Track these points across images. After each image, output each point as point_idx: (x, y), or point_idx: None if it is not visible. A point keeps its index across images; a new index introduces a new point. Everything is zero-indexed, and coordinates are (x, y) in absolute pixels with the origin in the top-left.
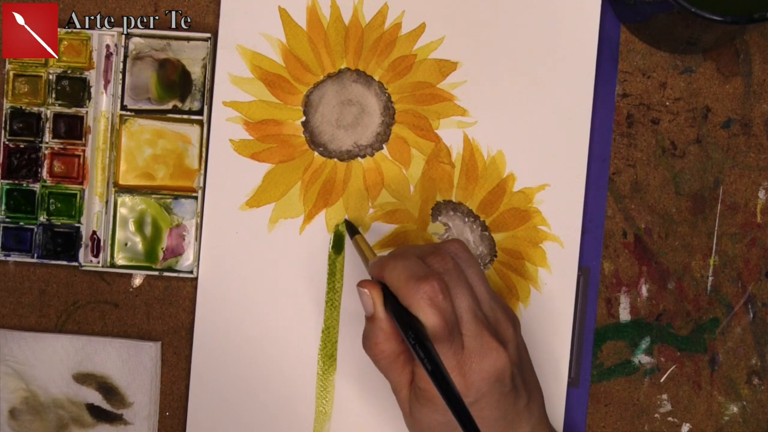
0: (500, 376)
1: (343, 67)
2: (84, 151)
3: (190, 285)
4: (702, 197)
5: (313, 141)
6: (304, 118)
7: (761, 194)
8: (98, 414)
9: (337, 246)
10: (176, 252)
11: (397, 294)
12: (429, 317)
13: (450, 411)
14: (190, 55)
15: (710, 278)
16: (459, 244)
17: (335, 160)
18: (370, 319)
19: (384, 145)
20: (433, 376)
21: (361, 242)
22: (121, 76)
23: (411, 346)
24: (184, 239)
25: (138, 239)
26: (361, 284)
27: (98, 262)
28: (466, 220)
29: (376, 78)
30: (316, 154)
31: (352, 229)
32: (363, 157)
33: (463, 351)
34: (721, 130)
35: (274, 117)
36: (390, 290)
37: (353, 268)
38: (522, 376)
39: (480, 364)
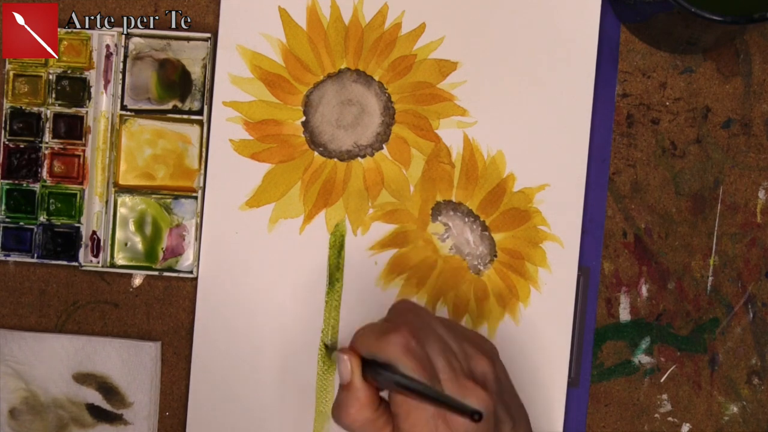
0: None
1: (343, 67)
2: (84, 151)
3: (190, 285)
4: (702, 197)
5: (313, 141)
6: (304, 118)
7: (761, 194)
8: (98, 414)
9: (337, 247)
10: (176, 252)
11: (375, 355)
12: (408, 364)
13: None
14: (190, 55)
15: (710, 278)
16: (407, 302)
17: (335, 160)
18: (345, 387)
19: (384, 145)
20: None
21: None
22: (121, 76)
23: (403, 388)
24: (184, 239)
25: (138, 239)
26: (342, 351)
27: (98, 262)
28: (466, 220)
29: (376, 78)
30: (316, 154)
31: (330, 351)
32: (363, 157)
33: None
34: (721, 130)
35: (274, 117)
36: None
37: (353, 268)
38: (504, 405)
39: None
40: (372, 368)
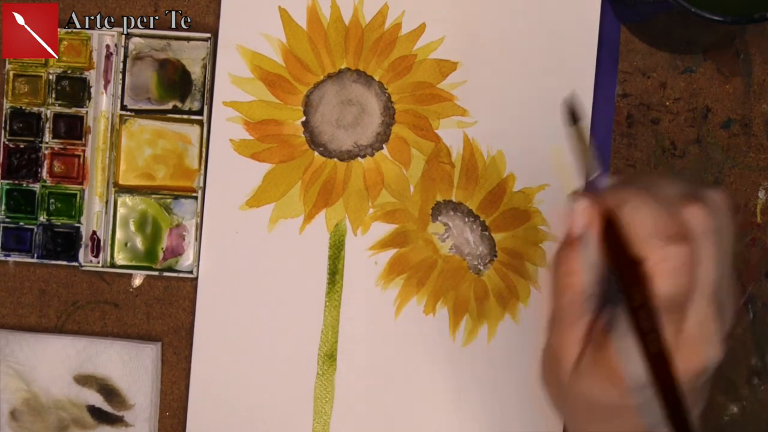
0: (704, 372)
1: (343, 67)
2: (84, 151)
3: (190, 285)
4: None
5: (313, 141)
6: (304, 118)
7: (761, 194)
8: (99, 415)
9: (337, 246)
10: (176, 252)
11: (633, 241)
12: (663, 287)
13: (662, 408)
14: (190, 55)
15: None
16: (724, 199)
17: (335, 160)
18: (575, 241)
19: (384, 145)
20: (651, 362)
21: (581, 135)
22: (121, 76)
23: (631, 310)
24: (184, 239)
25: (138, 239)
26: (580, 196)
27: (98, 262)
28: (466, 219)
29: (376, 78)
30: (316, 154)
31: (574, 114)
32: (363, 157)
33: (681, 334)
34: (721, 130)
35: (274, 117)
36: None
37: (353, 268)
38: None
39: (690, 355)
40: (613, 241)
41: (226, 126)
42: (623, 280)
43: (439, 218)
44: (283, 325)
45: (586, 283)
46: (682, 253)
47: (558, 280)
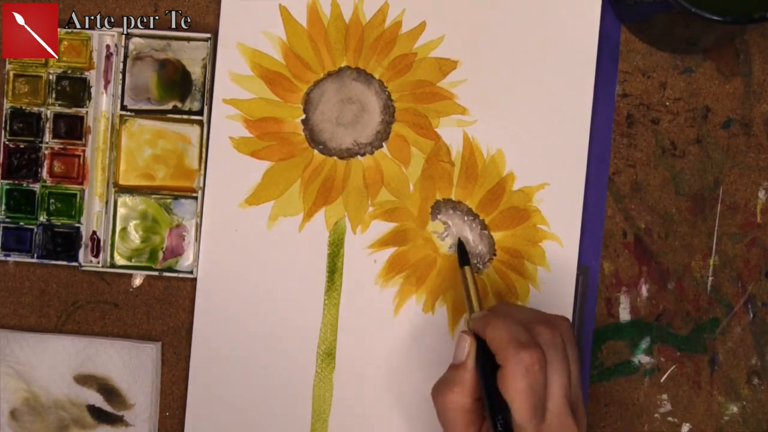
0: None
1: (343, 65)
2: (84, 151)
3: (189, 285)
4: (702, 197)
5: (313, 139)
6: (304, 116)
7: (761, 194)
8: (99, 415)
9: (336, 245)
10: (176, 252)
11: (495, 353)
12: (518, 385)
13: None
14: (190, 55)
15: (710, 278)
16: (567, 323)
17: (335, 158)
18: (456, 367)
19: (384, 144)
20: None
21: (469, 277)
22: (121, 76)
23: (491, 417)
24: (183, 239)
25: (138, 239)
26: (465, 332)
27: (98, 262)
28: (466, 218)
29: (377, 76)
30: (315, 152)
31: (463, 254)
32: (363, 155)
33: (542, 425)
34: (721, 130)
35: (274, 115)
36: (484, 349)
37: (353, 266)
38: None
39: None
40: (481, 356)
41: (226, 123)
42: (489, 396)
43: (439, 217)
44: (282, 323)
45: (463, 402)
46: (533, 355)
47: (439, 398)
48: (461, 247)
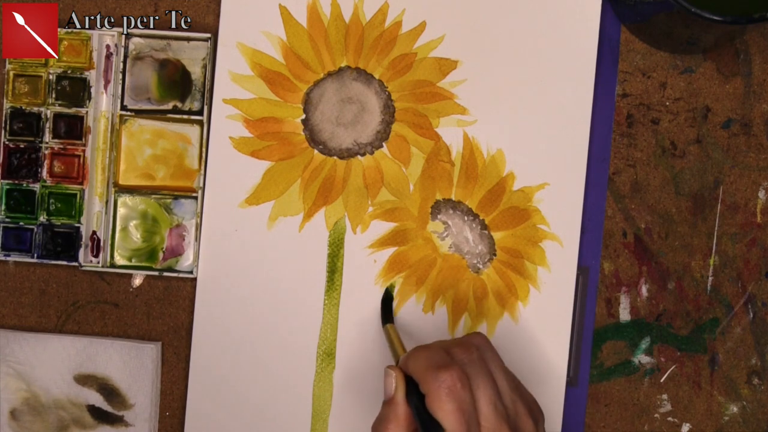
0: None
1: (343, 65)
2: (84, 151)
3: (189, 285)
4: (702, 197)
5: (313, 139)
6: (304, 116)
7: (761, 194)
8: (99, 415)
9: (336, 244)
10: (176, 252)
11: (418, 383)
12: (445, 406)
13: None
14: (190, 55)
15: (710, 278)
16: (483, 338)
17: (335, 158)
18: (387, 403)
19: (384, 143)
20: None
21: (392, 333)
22: (121, 76)
23: (420, 423)
24: (184, 239)
25: (138, 239)
26: (389, 367)
27: (98, 262)
28: (466, 218)
29: (377, 76)
30: (315, 151)
31: (387, 312)
32: (363, 155)
33: None
34: (721, 130)
35: (274, 114)
36: (414, 383)
37: (353, 266)
38: None
39: None
40: (410, 391)
41: (226, 123)
42: (421, 423)
43: (439, 217)
44: (282, 323)
45: None
46: (452, 374)
47: None
48: (384, 304)
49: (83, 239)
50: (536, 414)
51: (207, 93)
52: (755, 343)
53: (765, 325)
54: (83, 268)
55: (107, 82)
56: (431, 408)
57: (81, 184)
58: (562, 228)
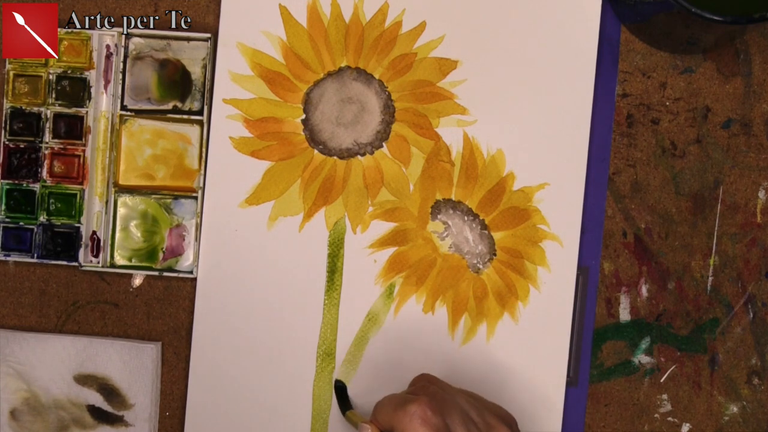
0: None
1: (343, 65)
2: (84, 151)
3: (189, 285)
4: (702, 197)
5: (313, 139)
6: (304, 116)
7: (761, 194)
8: (99, 415)
9: (336, 244)
10: (176, 252)
11: (390, 426)
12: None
13: None
14: (190, 55)
15: (710, 278)
16: (428, 375)
17: (335, 158)
18: None
19: (384, 143)
20: None
21: (354, 417)
22: (121, 76)
23: None
24: (183, 239)
25: (138, 239)
26: (364, 422)
27: (98, 262)
28: (466, 218)
29: (377, 76)
30: (316, 151)
31: (344, 400)
32: (363, 155)
33: None
34: (721, 130)
35: (274, 114)
36: None
37: (352, 266)
38: None
39: None
40: None
41: (226, 123)
42: None
43: (439, 217)
44: (282, 323)
45: None
46: (421, 404)
47: None
48: (339, 394)
49: (83, 239)
50: (508, 420)
51: (207, 93)
52: (755, 343)
53: (765, 325)
54: (83, 268)
55: (107, 82)
56: None
57: (81, 184)
58: (562, 228)
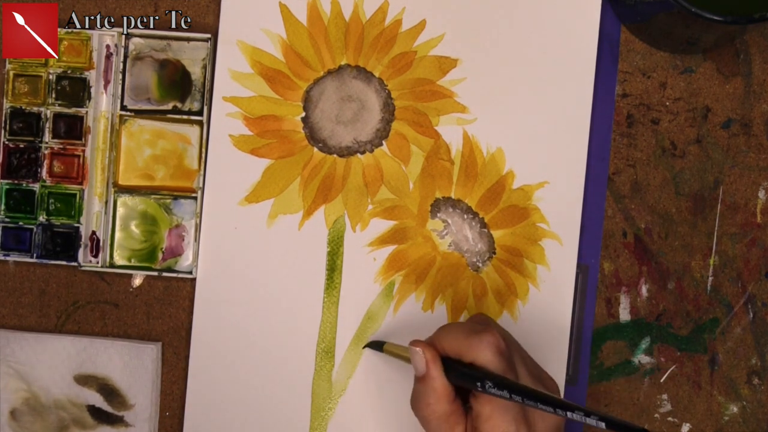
0: (559, 427)
1: (343, 63)
2: (84, 151)
3: (189, 285)
4: (702, 197)
5: (313, 137)
6: (303, 114)
7: (761, 194)
8: (99, 415)
9: (336, 243)
10: (176, 252)
11: (458, 352)
12: (497, 364)
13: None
14: (190, 55)
15: (710, 278)
16: (484, 314)
17: (335, 156)
18: (421, 379)
19: (383, 142)
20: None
21: (393, 347)
22: (121, 76)
23: (485, 390)
24: (183, 240)
25: (137, 239)
26: (414, 343)
27: (98, 262)
28: (465, 216)
29: (376, 74)
30: (315, 149)
31: (377, 344)
32: (362, 153)
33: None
34: (721, 130)
35: (273, 112)
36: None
37: (352, 264)
38: None
39: (543, 415)
40: (453, 367)
41: (226, 121)
42: (471, 381)
43: (438, 215)
44: (281, 321)
45: (442, 409)
46: (495, 335)
47: (420, 413)
48: (372, 346)
49: (83, 239)
50: (554, 382)
51: (207, 93)
52: (755, 343)
53: (765, 325)
54: (83, 268)
55: (107, 82)
56: (485, 366)
57: (81, 184)
58: (562, 226)
